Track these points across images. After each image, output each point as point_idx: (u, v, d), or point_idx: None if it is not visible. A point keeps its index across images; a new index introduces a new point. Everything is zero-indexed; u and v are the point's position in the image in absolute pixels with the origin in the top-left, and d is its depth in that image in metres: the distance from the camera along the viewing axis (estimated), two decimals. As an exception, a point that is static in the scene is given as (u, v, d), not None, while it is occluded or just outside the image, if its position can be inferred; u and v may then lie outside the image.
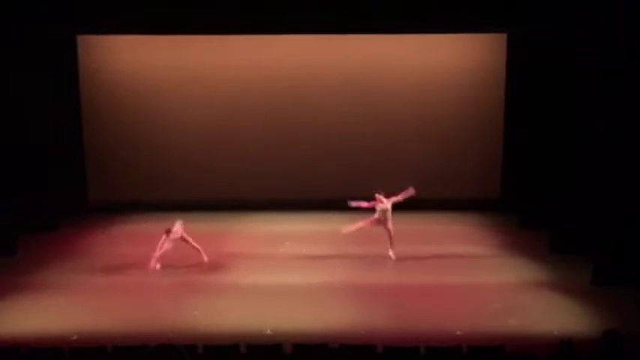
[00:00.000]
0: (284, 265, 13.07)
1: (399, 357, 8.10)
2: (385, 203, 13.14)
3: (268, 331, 9.84)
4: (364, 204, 13.22)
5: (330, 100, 17.18)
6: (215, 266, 13.04)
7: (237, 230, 15.69)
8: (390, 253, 13.29)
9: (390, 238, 13.27)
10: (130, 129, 17.30)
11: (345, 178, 16.98)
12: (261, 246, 14.36)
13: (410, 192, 13.19)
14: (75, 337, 9.63)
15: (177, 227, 12.78)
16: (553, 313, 10.69)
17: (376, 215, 13.21)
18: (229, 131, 17.33)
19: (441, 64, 17.13)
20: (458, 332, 9.80)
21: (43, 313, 10.78)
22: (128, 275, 12.64)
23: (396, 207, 16.97)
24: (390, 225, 13.20)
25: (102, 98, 17.14)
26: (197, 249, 12.97)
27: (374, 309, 11.01)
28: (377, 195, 13.14)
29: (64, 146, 16.37)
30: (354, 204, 13.22)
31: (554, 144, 14.44)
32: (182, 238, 12.81)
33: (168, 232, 12.66)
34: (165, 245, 12.62)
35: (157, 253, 12.59)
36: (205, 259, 12.98)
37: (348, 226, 13.42)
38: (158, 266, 12.74)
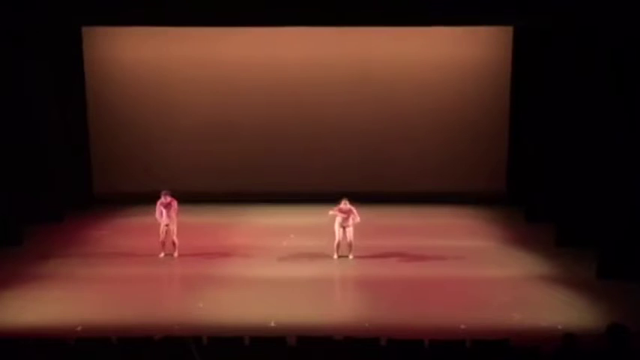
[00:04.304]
0: (288, 258, 13.08)
1: (403, 350, 8.09)
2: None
3: (272, 323, 9.86)
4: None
5: (336, 95, 17.16)
6: (220, 258, 13.07)
7: (242, 223, 15.73)
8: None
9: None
10: (134, 122, 17.33)
11: (351, 172, 17.00)
12: (266, 238, 14.38)
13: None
14: (80, 328, 9.66)
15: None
16: (558, 307, 10.67)
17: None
18: (235, 124, 17.33)
19: (447, 59, 17.08)
20: (462, 326, 9.80)
21: (48, 304, 10.81)
22: (133, 267, 12.67)
23: (402, 200, 17.06)
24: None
25: (107, 92, 17.18)
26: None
27: (378, 302, 11.01)
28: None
29: (69, 138, 16.41)
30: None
31: (559, 138, 14.40)
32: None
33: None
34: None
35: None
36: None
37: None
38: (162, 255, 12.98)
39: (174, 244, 12.96)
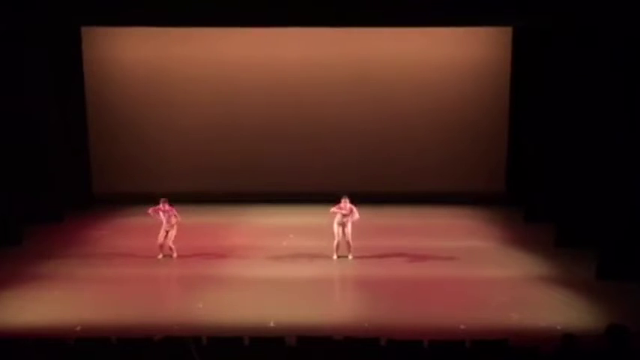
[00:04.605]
0: (288, 258, 13.07)
1: (403, 350, 8.08)
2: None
3: (271, 324, 9.86)
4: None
5: (336, 95, 17.18)
6: (219, 259, 13.07)
7: (241, 223, 15.73)
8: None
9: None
10: (134, 123, 17.33)
11: (351, 172, 17.01)
12: (266, 238, 14.38)
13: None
14: (79, 328, 9.66)
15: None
16: (557, 307, 10.66)
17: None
18: (235, 124, 17.34)
19: (447, 59, 17.10)
20: (461, 326, 9.80)
21: (48, 304, 10.81)
22: (132, 267, 12.67)
23: (402, 200, 17.07)
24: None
25: (107, 92, 17.18)
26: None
27: (378, 302, 11.00)
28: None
29: (69, 138, 16.43)
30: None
31: (559, 138, 14.40)
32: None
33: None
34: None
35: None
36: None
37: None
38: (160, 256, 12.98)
39: (171, 248, 12.98)
